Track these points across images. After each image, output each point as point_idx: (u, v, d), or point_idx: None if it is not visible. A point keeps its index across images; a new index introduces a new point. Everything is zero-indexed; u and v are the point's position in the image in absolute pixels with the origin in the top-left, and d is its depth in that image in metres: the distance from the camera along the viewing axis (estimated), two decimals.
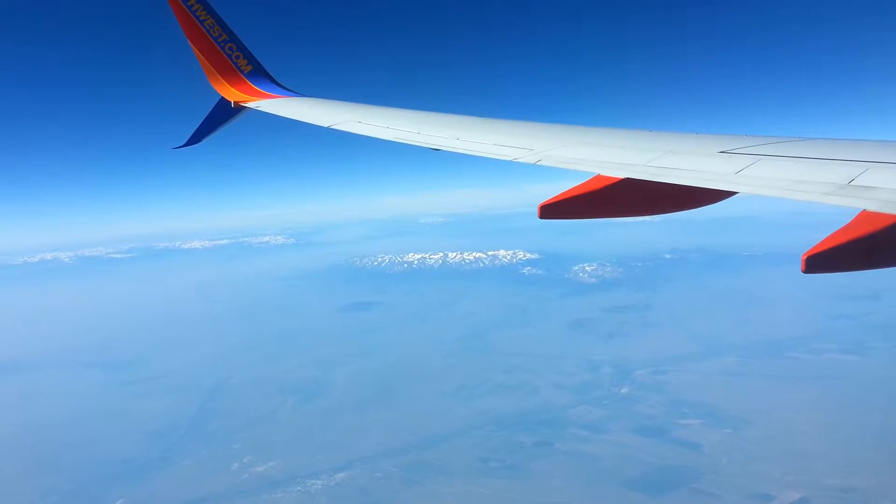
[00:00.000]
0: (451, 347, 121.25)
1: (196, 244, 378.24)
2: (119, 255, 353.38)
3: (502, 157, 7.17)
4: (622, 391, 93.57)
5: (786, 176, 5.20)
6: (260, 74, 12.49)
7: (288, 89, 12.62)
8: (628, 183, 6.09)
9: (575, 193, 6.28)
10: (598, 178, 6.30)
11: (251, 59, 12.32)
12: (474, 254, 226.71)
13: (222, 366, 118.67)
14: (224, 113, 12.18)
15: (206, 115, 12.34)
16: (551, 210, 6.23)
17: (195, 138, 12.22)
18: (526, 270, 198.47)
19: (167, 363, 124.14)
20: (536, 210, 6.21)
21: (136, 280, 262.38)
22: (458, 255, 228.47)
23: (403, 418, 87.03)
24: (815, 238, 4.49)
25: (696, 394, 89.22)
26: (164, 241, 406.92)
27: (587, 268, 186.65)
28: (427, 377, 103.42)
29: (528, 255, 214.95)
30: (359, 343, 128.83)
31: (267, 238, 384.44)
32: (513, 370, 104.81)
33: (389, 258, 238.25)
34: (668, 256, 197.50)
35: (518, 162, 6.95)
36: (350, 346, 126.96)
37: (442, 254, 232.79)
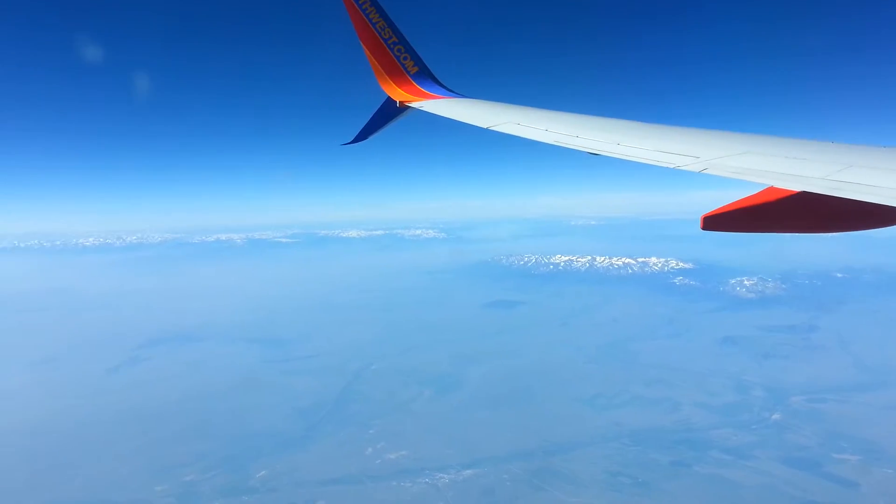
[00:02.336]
0: (591, 353, 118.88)
1: (354, 234, 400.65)
2: (285, 240, 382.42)
3: (665, 165, 6.84)
4: (773, 417, 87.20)
5: None
6: (425, 76, 12.81)
7: (451, 90, 12.86)
8: (805, 197, 5.68)
9: (744, 205, 5.99)
10: (771, 189, 5.94)
11: (418, 60, 12.69)
12: (623, 259, 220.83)
13: (367, 352, 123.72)
14: (390, 112, 12.58)
15: (372, 114, 12.85)
16: (716, 221, 5.97)
17: (362, 136, 12.71)
18: (678, 280, 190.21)
19: (318, 344, 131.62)
20: (696, 219, 5.98)
21: (298, 264, 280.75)
22: (606, 260, 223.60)
23: (535, 421, 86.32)
24: None
25: (857, 427, 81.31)
26: (326, 229, 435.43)
27: (746, 282, 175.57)
28: (563, 382, 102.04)
29: (682, 265, 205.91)
30: (498, 341, 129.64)
31: (419, 231, 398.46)
32: (653, 383, 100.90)
33: (536, 258, 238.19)
34: (839, 275, 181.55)
35: (681, 170, 6.65)
36: (489, 343, 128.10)
37: (590, 257, 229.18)
